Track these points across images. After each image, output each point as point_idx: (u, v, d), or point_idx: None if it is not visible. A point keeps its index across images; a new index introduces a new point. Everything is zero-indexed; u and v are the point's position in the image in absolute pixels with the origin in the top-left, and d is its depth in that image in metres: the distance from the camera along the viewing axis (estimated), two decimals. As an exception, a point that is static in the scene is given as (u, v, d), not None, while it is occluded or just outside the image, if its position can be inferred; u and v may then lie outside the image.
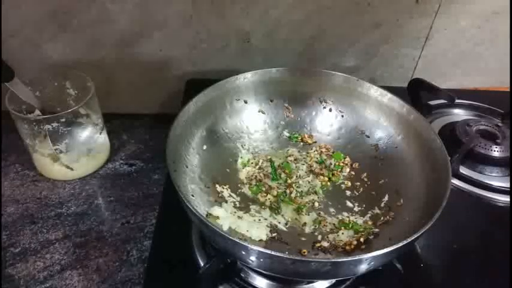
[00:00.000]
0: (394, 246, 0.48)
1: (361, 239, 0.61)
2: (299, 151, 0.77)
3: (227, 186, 0.70)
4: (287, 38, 0.92)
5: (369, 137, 0.75)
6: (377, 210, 0.66)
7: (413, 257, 0.66)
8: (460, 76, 1.04)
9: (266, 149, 0.77)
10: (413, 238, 0.49)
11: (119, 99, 0.96)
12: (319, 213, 0.67)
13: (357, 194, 0.70)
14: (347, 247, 0.61)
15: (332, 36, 0.93)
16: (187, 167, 0.66)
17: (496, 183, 0.78)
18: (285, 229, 0.64)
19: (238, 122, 0.77)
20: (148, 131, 0.96)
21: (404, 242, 0.49)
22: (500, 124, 0.87)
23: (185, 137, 0.67)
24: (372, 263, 0.50)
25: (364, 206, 0.68)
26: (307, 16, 0.89)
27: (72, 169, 0.79)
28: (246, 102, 0.77)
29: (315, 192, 0.70)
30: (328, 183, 0.72)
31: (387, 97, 0.72)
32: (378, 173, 0.71)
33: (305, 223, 0.65)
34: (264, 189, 0.70)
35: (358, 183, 0.72)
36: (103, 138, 0.85)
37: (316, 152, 0.77)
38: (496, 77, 1.04)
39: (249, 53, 0.94)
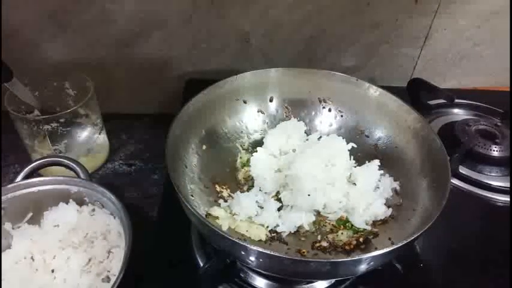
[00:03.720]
0: (394, 247, 0.48)
1: (361, 239, 0.61)
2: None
3: (226, 186, 0.70)
4: (286, 38, 0.92)
5: (368, 136, 0.75)
6: (376, 210, 0.66)
7: (412, 257, 0.66)
8: (460, 76, 1.04)
9: (265, 149, 0.77)
10: (412, 238, 0.49)
11: (118, 99, 0.96)
12: (319, 213, 0.66)
13: (357, 193, 0.70)
14: (346, 247, 0.61)
15: (331, 36, 0.93)
16: (186, 167, 0.66)
17: (495, 183, 0.78)
18: (284, 229, 0.64)
19: (237, 122, 0.77)
20: (148, 131, 0.95)
21: (404, 242, 0.49)
22: (499, 124, 0.87)
23: (185, 137, 0.67)
24: (372, 263, 0.50)
25: (363, 205, 0.68)
26: (307, 16, 0.89)
27: (71, 169, 0.79)
28: (245, 102, 0.77)
29: (315, 192, 0.70)
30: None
31: (386, 97, 0.72)
32: (378, 172, 0.71)
33: (305, 223, 0.65)
34: (263, 189, 0.69)
35: (358, 183, 0.71)
36: (102, 138, 0.85)
37: (315, 151, 0.76)
38: (496, 77, 1.04)
39: (248, 53, 0.94)
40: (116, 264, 0.61)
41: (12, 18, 0.82)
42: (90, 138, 0.80)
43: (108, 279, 0.61)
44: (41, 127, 0.72)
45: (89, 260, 0.62)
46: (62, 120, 0.72)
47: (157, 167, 0.86)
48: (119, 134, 0.93)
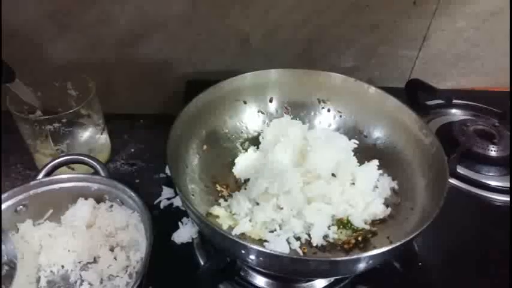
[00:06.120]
0: (392, 246, 0.49)
1: (359, 238, 0.62)
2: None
3: (227, 185, 0.70)
4: (286, 39, 0.93)
5: (367, 137, 0.76)
6: (375, 210, 0.67)
7: (411, 256, 0.66)
8: (457, 76, 1.05)
9: (265, 149, 0.78)
10: (411, 237, 0.50)
11: (120, 99, 0.97)
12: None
13: (356, 193, 0.71)
14: (345, 246, 0.61)
15: (330, 37, 0.94)
16: (187, 167, 0.67)
17: (493, 183, 0.78)
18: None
19: (237, 122, 0.77)
20: (149, 131, 0.96)
21: (402, 241, 0.49)
22: (497, 124, 0.88)
23: (185, 137, 0.68)
24: (370, 261, 0.50)
25: (362, 205, 0.68)
26: (306, 17, 0.90)
27: (73, 169, 0.79)
28: (245, 102, 0.77)
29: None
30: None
31: (385, 97, 0.73)
32: (376, 172, 0.72)
33: (304, 222, 0.65)
34: (263, 188, 0.70)
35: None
36: (104, 138, 0.85)
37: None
38: (493, 78, 1.05)
39: (248, 54, 0.95)
40: (136, 261, 0.62)
41: (13, 18, 0.82)
42: (91, 138, 0.81)
43: (129, 275, 0.62)
44: (43, 127, 0.72)
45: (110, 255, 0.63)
46: (64, 120, 0.73)
47: (158, 166, 0.86)
48: (120, 134, 0.94)
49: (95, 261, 0.64)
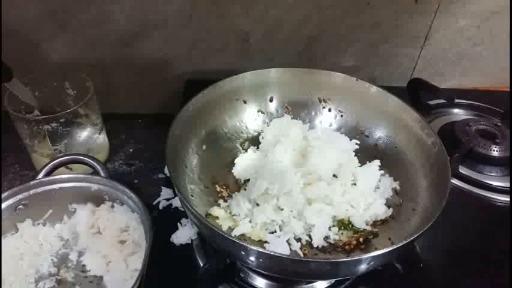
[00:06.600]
0: (394, 247, 0.48)
1: (361, 239, 0.61)
2: (298, 151, 0.77)
3: (226, 186, 0.70)
4: (287, 38, 0.93)
5: (368, 136, 0.75)
6: (376, 210, 0.66)
7: (412, 257, 0.66)
8: (459, 76, 1.04)
9: (265, 149, 0.77)
10: (412, 238, 0.49)
11: (118, 99, 0.96)
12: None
13: (357, 194, 0.70)
14: (346, 247, 0.61)
15: (331, 36, 0.93)
16: (186, 167, 0.66)
17: (495, 183, 0.78)
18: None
19: (237, 122, 0.77)
20: (148, 131, 0.96)
21: (404, 242, 0.49)
22: (499, 124, 0.87)
23: (184, 137, 0.67)
24: (372, 263, 0.50)
25: (363, 206, 0.68)
26: (307, 16, 0.89)
27: (71, 169, 0.79)
28: (245, 102, 0.77)
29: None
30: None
31: (386, 97, 0.72)
32: (378, 173, 0.71)
33: (304, 223, 0.65)
34: (263, 189, 0.69)
35: (358, 183, 0.71)
36: (102, 138, 0.85)
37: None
38: (495, 77, 1.04)
39: (248, 53, 0.94)
40: (135, 261, 0.62)
41: (12, 18, 0.82)
42: (90, 138, 0.80)
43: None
44: (41, 127, 0.72)
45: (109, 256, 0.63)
46: (62, 120, 0.72)
47: (157, 167, 0.86)
48: (118, 134, 0.93)
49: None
